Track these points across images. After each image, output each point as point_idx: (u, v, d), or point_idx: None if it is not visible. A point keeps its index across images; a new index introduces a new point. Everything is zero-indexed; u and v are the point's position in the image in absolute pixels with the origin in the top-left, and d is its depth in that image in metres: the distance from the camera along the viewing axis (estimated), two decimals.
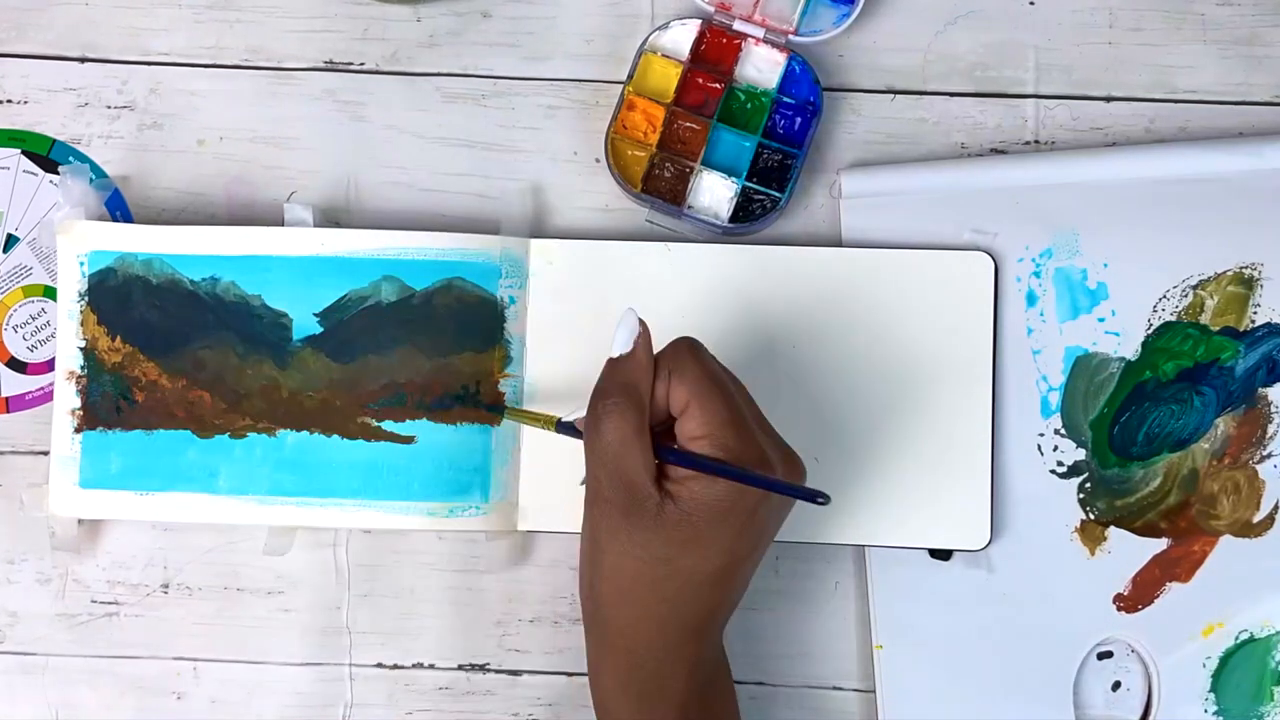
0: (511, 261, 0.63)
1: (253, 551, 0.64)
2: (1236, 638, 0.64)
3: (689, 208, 0.64)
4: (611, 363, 0.53)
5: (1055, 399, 0.64)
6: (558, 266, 0.64)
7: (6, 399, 0.65)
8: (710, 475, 0.51)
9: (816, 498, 0.50)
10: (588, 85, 0.66)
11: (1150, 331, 0.64)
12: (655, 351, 0.54)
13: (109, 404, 0.63)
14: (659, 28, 0.65)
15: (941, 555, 0.63)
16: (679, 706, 0.54)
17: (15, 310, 0.65)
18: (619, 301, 0.63)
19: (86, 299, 0.63)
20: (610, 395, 0.52)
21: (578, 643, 0.64)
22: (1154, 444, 0.64)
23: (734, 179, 0.64)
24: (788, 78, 0.64)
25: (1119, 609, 0.64)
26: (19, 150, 0.66)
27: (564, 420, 0.56)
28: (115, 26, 0.66)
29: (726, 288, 0.63)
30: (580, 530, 0.55)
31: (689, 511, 0.51)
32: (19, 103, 0.66)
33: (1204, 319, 0.64)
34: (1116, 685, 0.64)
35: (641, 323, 0.53)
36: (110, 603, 0.65)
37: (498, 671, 0.65)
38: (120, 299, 0.63)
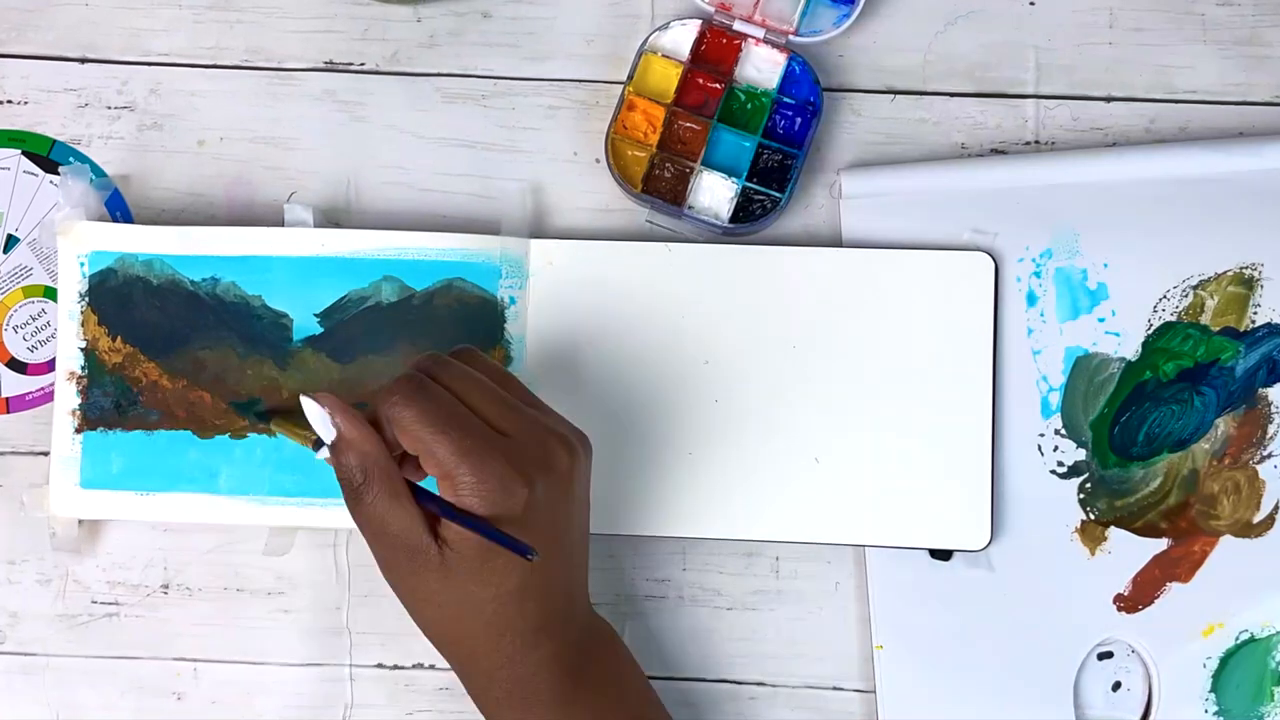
0: (511, 262, 0.63)
1: (253, 552, 0.64)
2: (1237, 638, 0.64)
3: (689, 208, 0.64)
4: (331, 448, 0.52)
5: (1055, 399, 0.64)
6: (558, 267, 0.64)
7: (7, 399, 0.65)
8: (468, 509, 0.51)
9: (526, 553, 0.51)
10: (588, 85, 0.66)
11: (1150, 332, 0.64)
12: (376, 400, 0.53)
13: (110, 404, 0.63)
14: (659, 28, 0.65)
15: (941, 555, 0.63)
16: (555, 699, 0.55)
17: (15, 311, 0.65)
18: (619, 301, 0.63)
19: (87, 299, 0.63)
20: (350, 480, 0.52)
21: None
22: (1154, 444, 0.64)
23: (734, 179, 0.64)
24: (788, 78, 0.64)
25: (1119, 609, 0.64)
26: (19, 151, 0.66)
27: (320, 441, 0.53)
28: (115, 27, 0.66)
29: (726, 288, 0.63)
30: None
31: (464, 551, 0.52)
32: (19, 103, 0.66)
33: (1204, 319, 0.64)
34: (1117, 685, 0.64)
35: (329, 400, 0.52)
36: (110, 603, 0.65)
37: None
38: (121, 299, 0.63)
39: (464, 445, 0.51)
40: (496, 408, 0.53)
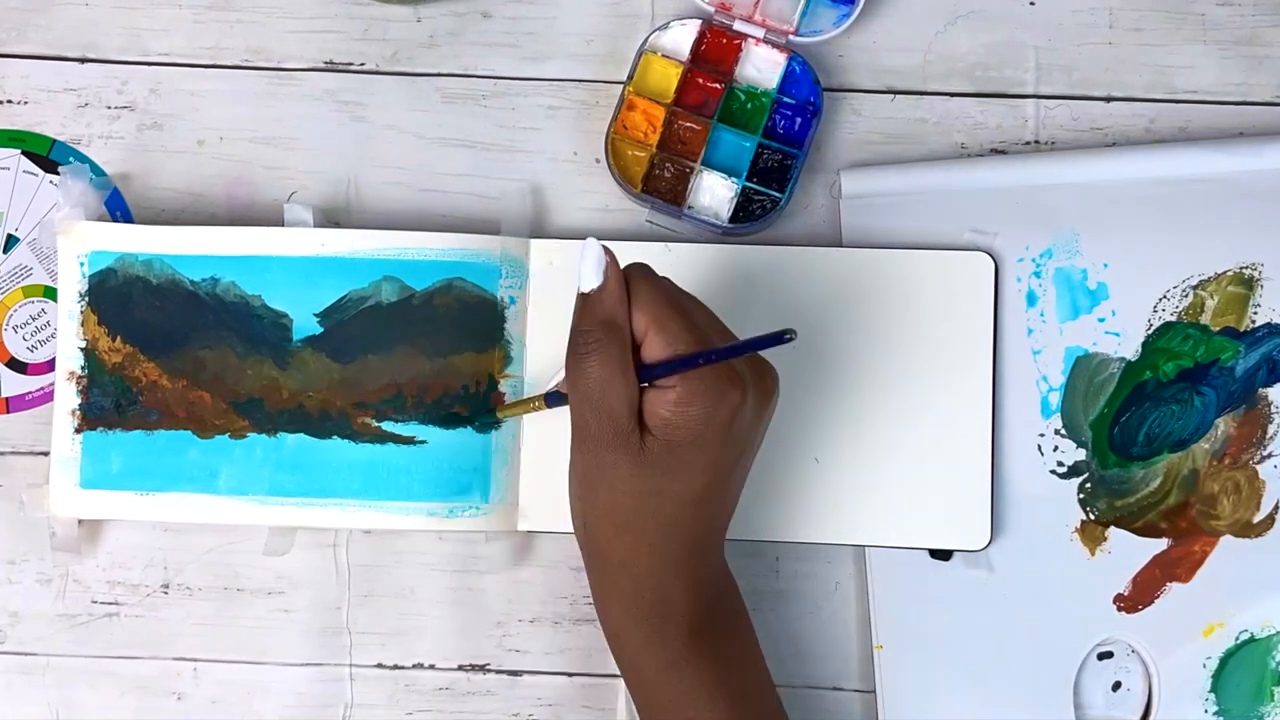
0: (511, 262, 0.63)
1: (253, 552, 0.64)
2: (1237, 638, 0.64)
3: (689, 208, 0.64)
4: (583, 298, 0.53)
5: (1055, 399, 0.64)
6: (558, 267, 0.64)
7: (7, 399, 0.65)
8: (684, 400, 0.51)
9: (784, 336, 0.51)
10: (588, 85, 0.66)
11: (1150, 331, 0.64)
12: None
13: (110, 404, 0.63)
14: (659, 28, 0.65)
15: (941, 555, 0.63)
16: (687, 625, 0.55)
17: (15, 310, 0.65)
18: None
19: (87, 299, 0.63)
20: (590, 333, 0.52)
21: (578, 643, 0.64)
22: (1154, 444, 0.64)
23: (734, 179, 0.64)
24: (788, 78, 0.64)
25: (1119, 609, 0.64)
26: (19, 150, 0.66)
27: (550, 391, 0.57)
28: (115, 27, 0.66)
29: (726, 288, 0.63)
30: (568, 471, 0.55)
31: (669, 439, 0.52)
32: (19, 103, 0.66)
33: (1204, 319, 0.64)
34: (1117, 685, 0.64)
35: (607, 251, 0.53)
36: (110, 603, 0.65)
37: (498, 672, 0.65)
38: (121, 299, 0.63)
39: (695, 328, 0.52)
40: (712, 318, 0.54)
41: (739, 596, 0.58)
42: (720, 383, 0.52)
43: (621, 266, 0.54)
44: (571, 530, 0.62)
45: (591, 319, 0.52)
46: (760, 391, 0.54)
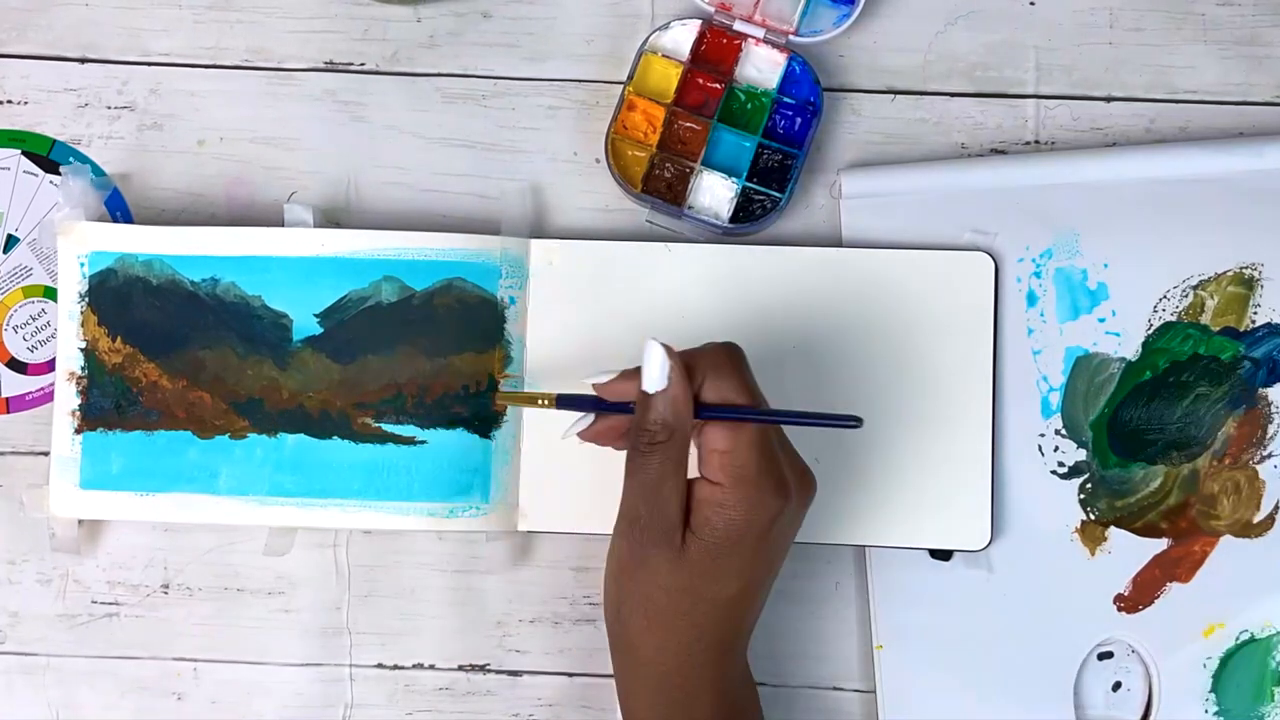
0: (512, 262, 0.63)
1: (253, 552, 0.64)
2: (1237, 638, 0.64)
3: (689, 208, 0.64)
4: (646, 396, 0.53)
5: (1056, 399, 0.64)
6: (558, 267, 0.64)
7: (7, 399, 0.65)
8: (730, 503, 0.52)
9: (849, 422, 0.52)
10: (588, 85, 0.66)
11: (1151, 332, 0.64)
12: (692, 354, 0.54)
13: (110, 405, 0.63)
14: (659, 28, 0.65)
15: (941, 555, 0.63)
16: None
17: (15, 311, 0.65)
18: (619, 301, 0.63)
19: (87, 300, 0.63)
20: (655, 432, 0.53)
21: (578, 643, 0.64)
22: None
23: (734, 179, 0.64)
24: (788, 78, 0.64)
25: (1119, 609, 0.64)
26: (19, 151, 0.66)
27: (565, 395, 0.56)
28: (115, 27, 0.66)
29: (726, 288, 0.63)
30: (608, 556, 0.55)
31: (710, 541, 0.53)
32: (19, 103, 0.66)
33: (1204, 319, 0.64)
34: (1117, 686, 0.64)
35: (668, 350, 0.53)
36: (110, 603, 0.65)
37: (498, 672, 0.65)
38: (121, 300, 0.63)
39: (762, 431, 0.53)
40: (775, 426, 0.55)
41: (757, 699, 0.58)
42: (765, 489, 0.53)
43: (722, 341, 0.55)
44: (571, 530, 0.62)
45: (654, 417, 0.53)
46: (800, 501, 0.55)
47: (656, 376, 0.53)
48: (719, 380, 0.53)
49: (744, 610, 0.55)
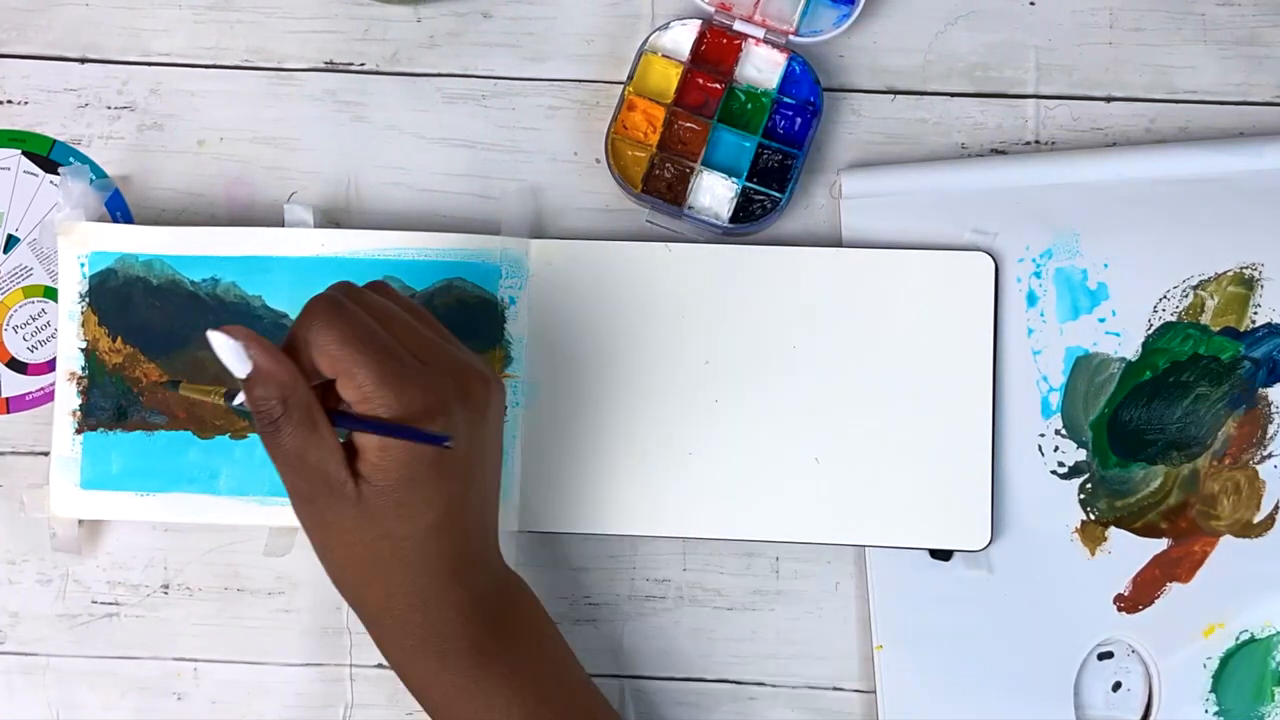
0: (512, 262, 0.63)
1: (253, 552, 0.64)
2: (1237, 638, 0.64)
3: (689, 208, 0.64)
4: (245, 383, 0.51)
5: (1056, 399, 0.64)
6: (558, 267, 0.64)
7: (7, 399, 0.65)
8: (384, 443, 0.51)
9: (442, 440, 0.50)
10: (588, 85, 0.66)
11: (1150, 332, 0.64)
12: (292, 329, 0.52)
13: (110, 405, 0.63)
14: (659, 28, 0.65)
15: (941, 555, 0.63)
16: (469, 647, 0.54)
17: (15, 311, 0.65)
18: (619, 301, 0.63)
19: (87, 300, 0.63)
20: (268, 413, 0.51)
21: (578, 643, 0.64)
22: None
23: (734, 179, 0.64)
24: (788, 78, 0.64)
25: (1119, 609, 0.64)
26: (19, 151, 0.66)
27: (230, 390, 0.53)
28: (115, 27, 0.66)
29: (726, 288, 0.63)
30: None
31: (382, 484, 0.51)
32: (19, 103, 0.66)
33: (1204, 319, 0.64)
34: (1117, 686, 0.64)
35: (241, 332, 0.50)
36: (111, 603, 0.65)
37: None
38: (121, 300, 0.63)
39: (385, 369, 0.50)
40: (414, 337, 0.53)
41: (530, 601, 0.58)
42: (425, 406, 0.51)
43: (372, 281, 0.54)
44: (571, 530, 0.62)
45: (262, 398, 0.51)
46: (470, 407, 0.53)
47: (236, 364, 0.50)
48: (319, 348, 0.50)
49: (457, 532, 0.54)
